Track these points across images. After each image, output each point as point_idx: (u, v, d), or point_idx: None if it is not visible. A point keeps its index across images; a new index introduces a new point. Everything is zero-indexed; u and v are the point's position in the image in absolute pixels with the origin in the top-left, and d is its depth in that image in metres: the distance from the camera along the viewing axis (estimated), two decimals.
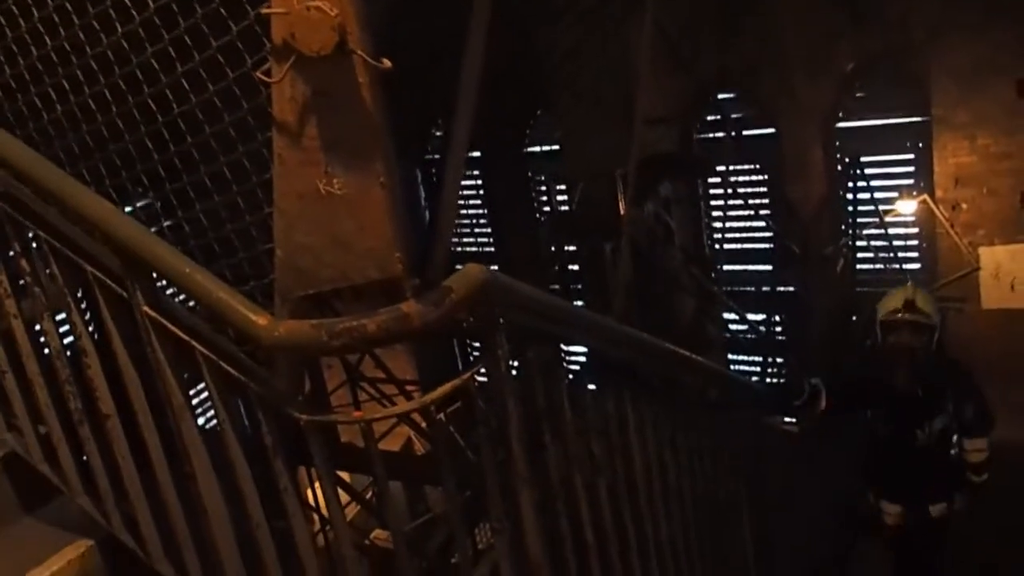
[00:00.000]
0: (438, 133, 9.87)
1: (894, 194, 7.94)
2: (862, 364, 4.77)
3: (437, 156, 9.95)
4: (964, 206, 7.50)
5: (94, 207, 1.74)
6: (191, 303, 1.99)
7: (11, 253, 1.95)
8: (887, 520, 4.45)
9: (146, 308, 1.74)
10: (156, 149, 2.12)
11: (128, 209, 2.31)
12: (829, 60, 7.80)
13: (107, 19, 1.96)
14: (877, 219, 7.93)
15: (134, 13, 1.87)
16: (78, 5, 2.00)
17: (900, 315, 3.97)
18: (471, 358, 9.51)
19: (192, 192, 2.14)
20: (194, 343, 1.73)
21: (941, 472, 4.25)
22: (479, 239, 10.52)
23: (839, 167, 8.16)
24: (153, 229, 1.96)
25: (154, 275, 1.77)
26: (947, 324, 7.12)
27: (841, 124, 8.20)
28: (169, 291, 2.02)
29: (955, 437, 4.24)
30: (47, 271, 1.91)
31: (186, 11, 1.79)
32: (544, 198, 9.88)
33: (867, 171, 7.97)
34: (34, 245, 1.92)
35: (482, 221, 10.44)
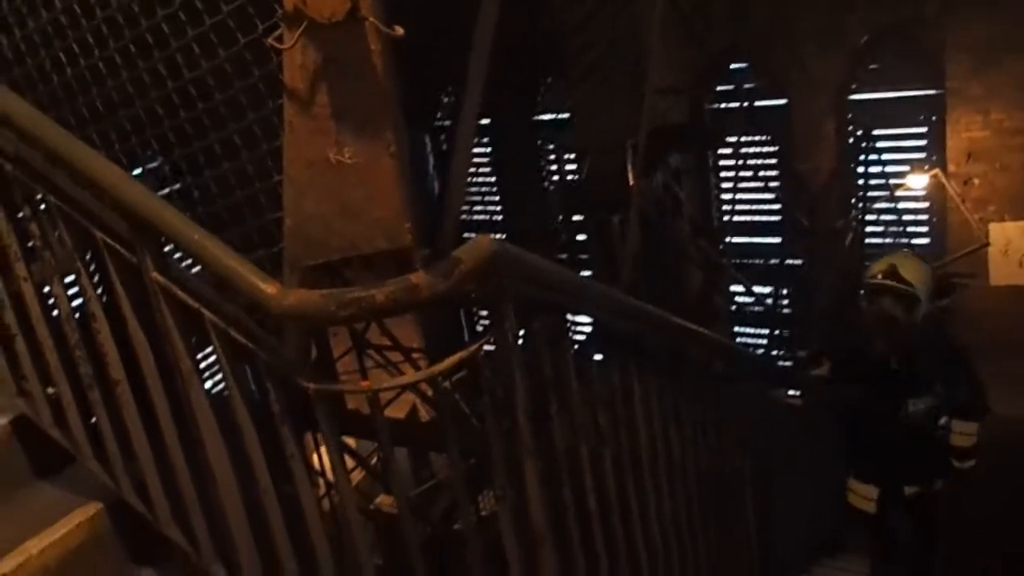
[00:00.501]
0: (448, 100, 9.81)
1: (905, 168, 7.88)
2: (849, 331, 4.54)
3: (447, 123, 9.90)
4: (976, 181, 7.45)
5: (104, 171, 1.74)
6: (199, 270, 2.00)
7: (21, 216, 1.95)
8: (855, 502, 4.20)
9: (155, 274, 1.74)
10: (166, 114, 2.11)
11: (137, 171, 2.32)
12: (842, 32, 7.71)
13: None
14: (888, 193, 7.88)
15: None
16: None
17: (878, 280, 3.71)
18: (478, 328, 9.52)
19: (202, 159, 2.14)
20: (203, 310, 1.74)
21: (921, 454, 4.00)
22: (488, 208, 10.48)
23: (850, 140, 8.10)
24: (162, 193, 1.97)
25: (163, 241, 1.78)
26: (957, 303, 7.12)
27: (853, 96, 8.12)
28: (177, 257, 2.03)
29: (943, 419, 3.99)
30: (56, 235, 1.92)
31: None
32: (553, 168, 9.84)
33: (879, 144, 7.91)
34: (43, 208, 1.93)
35: (491, 191, 10.40)
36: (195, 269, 2.00)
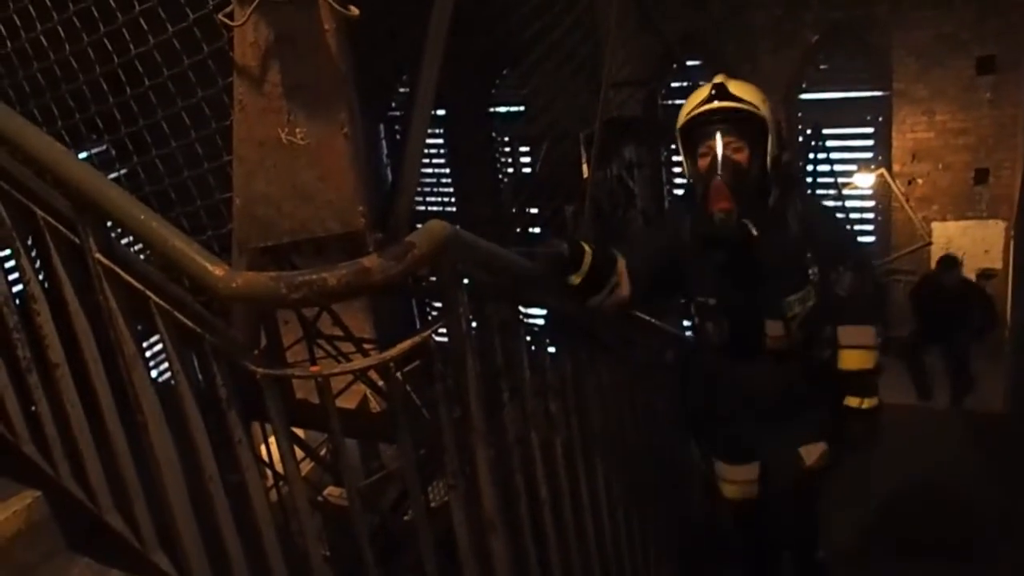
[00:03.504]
0: (402, 89, 9.74)
1: (853, 167, 8.04)
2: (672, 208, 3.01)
3: (400, 113, 9.84)
4: (920, 181, 7.64)
5: (44, 148, 1.68)
6: (144, 251, 1.95)
7: None
8: (732, 493, 2.84)
9: (98, 255, 1.69)
10: (111, 91, 2.05)
11: (82, 156, 2.25)
12: (794, 31, 7.83)
13: None
14: (835, 191, 8.03)
15: None
16: None
17: (705, 106, 2.44)
18: (429, 318, 9.49)
19: (148, 138, 2.09)
20: (148, 292, 1.70)
21: (814, 392, 2.61)
22: (441, 199, 10.45)
23: (799, 138, 8.23)
24: (109, 176, 1.91)
25: (107, 222, 1.73)
26: (898, 298, 7.30)
27: (803, 96, 8.26)
28: (123, 241, 1.98)
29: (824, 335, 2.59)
30: None
31: None
32: (507, 159, 9.84)
33: (827, 143, 8.05)
34: None
35: (445, 181, 10.37)
36: (136, 248, 1.96)
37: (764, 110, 2.44)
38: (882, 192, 7.92)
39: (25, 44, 2.01)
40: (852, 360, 2.53)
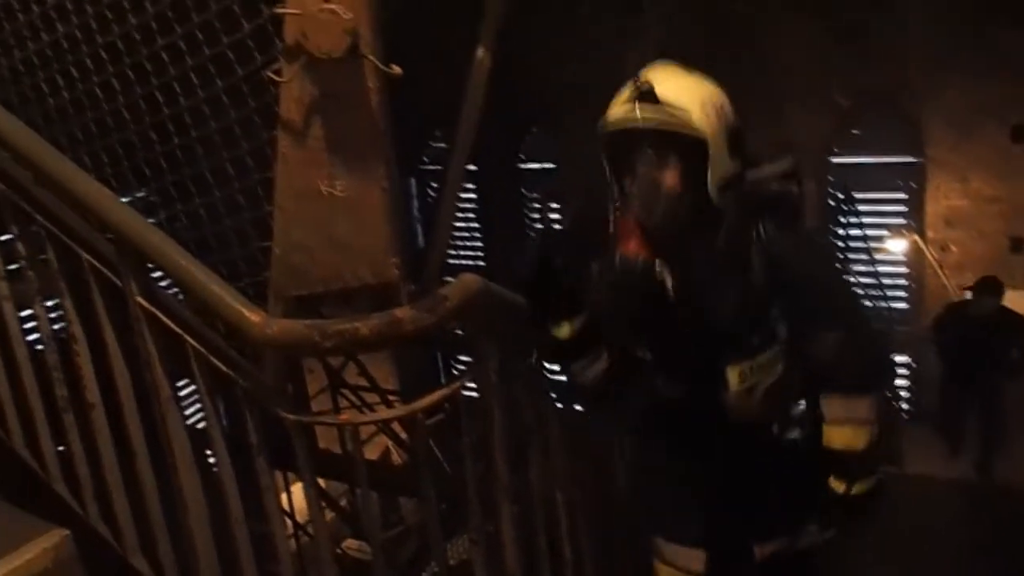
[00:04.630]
0: (435, 144, 9.90)
1: (884, 232, 8.01)
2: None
3: (432, 167, 9.99)
4: (954, 248, 7.58)
5: (92, 193, 1.74)
6: (178, 294, 1.99)
7: (7, 236, 1.94)
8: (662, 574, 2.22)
9: (139, 298, 1.73)
10: (159, 141, 2.12)
11: (126, 200, 2.31)
12: (825, 96, 7.88)
13: (119, 8, 1.97)
14: (866, 256, 7.98)
15: (147, 5, 1.88)
16: None
17: (622, 116, 1.80)
18: (454, 371, 9.49)
19: (191, 186, 2.14)
20: (185, 336, 1.73)
21: (774, 477, 2.04)
22: (471, 253, 10.54)
23: (831, 202, 8.23)
24: (151, 221, 1.96)
25: (148, 265, 1.77)
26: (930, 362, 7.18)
27: (835, 159, 8.28)
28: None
29: (800, 405, 2.06)
30: (40, 256, 1.91)
31: (199, 5, 1.80)
32: (537, 215, 9.92)
33: (859, 207, 8.03)
34: (30, 229, 1.92)
35: (475, 235, 10.46)
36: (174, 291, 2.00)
37: (703, 119, 1.77)
38: (915, 259, 7.86)
39: (80, 95, 2.08)
40: (838, 438, 1.97)
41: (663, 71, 1.82)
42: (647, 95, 1.77)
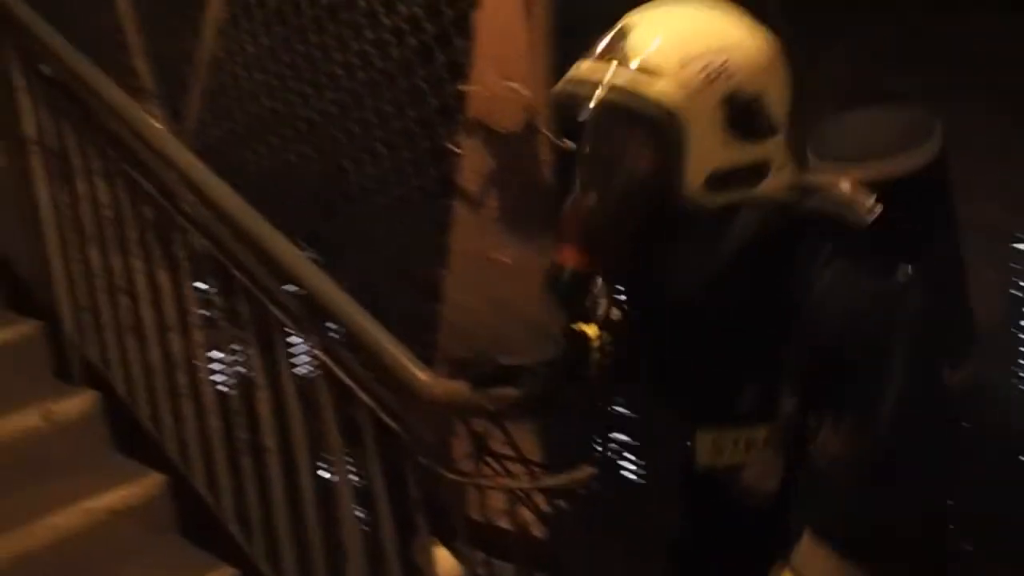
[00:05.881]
0: None
1: None
2: None
3: None
4: None
5: (287, 253, 1.88)
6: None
7: (207, 288, 2.12)
8: None
9: (319, 352, 1.84)
10: (341, 206, 2.26)
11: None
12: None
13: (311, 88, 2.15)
14: None
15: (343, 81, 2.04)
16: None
17: (582, 75, 1.18)
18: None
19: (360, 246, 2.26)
20: (356, 389, 1.82)
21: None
22: None
23: (1016, 292, 7.68)
24: None
25: (328, 322, 1.88)
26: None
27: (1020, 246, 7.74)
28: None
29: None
30: (233, 307, 2.06)
31: (390, 81, 1.94)
32: None
33: None
34: (228, 282, 2.08)
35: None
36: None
37: (673, 84, 1.11)
38: None
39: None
40: None
41: (660, 10, 1.22)
42: (616, 46, 1.17)
